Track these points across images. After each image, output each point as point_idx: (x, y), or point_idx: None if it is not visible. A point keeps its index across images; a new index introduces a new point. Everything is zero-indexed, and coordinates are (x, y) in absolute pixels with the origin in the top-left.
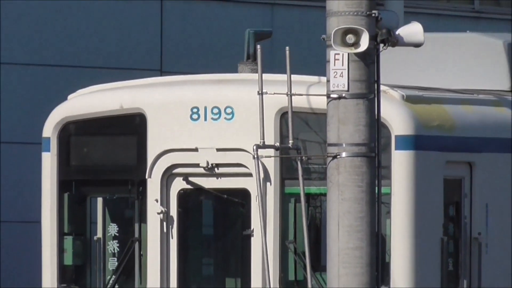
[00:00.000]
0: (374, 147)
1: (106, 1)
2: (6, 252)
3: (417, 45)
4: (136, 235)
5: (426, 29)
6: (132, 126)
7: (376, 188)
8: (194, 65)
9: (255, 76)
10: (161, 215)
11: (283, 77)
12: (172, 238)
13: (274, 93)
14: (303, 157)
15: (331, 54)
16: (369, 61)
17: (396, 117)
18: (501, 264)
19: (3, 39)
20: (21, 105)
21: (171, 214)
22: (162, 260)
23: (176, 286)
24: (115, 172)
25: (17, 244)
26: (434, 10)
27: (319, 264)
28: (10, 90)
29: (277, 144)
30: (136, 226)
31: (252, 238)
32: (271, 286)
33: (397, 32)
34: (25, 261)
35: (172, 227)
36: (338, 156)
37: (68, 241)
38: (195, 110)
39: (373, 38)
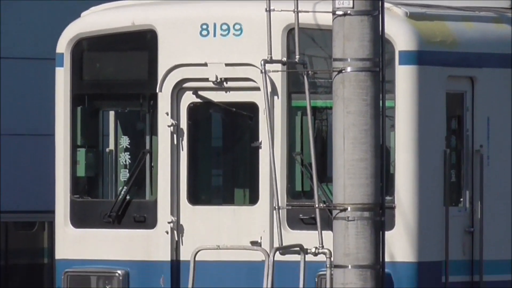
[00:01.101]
0: (378, 62)
1: None
2: (25, 166)
3: None
4: (147, 147)
5: None
6: (143, 42)
7: (380, 101)
8: None
9: None
10: (171, 127)
11: None
12: (182, 150)
13: (282, 10)
14: (310, 72)
15: None
16: None
17: (399, 33)
18: (502, 176)
19: None
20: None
21: (181, 127)
22: (172, 172)
23: (186, 197)
24: (126, 86)
25: (29, 158)
26: None
27: (325, 175)
28: None
29: (284, 59)
30: (147, 138)
31: (260, 150)
32: (279, 196)
33: None
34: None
35: (182, 140)
36: (343, 71)
37: (81, 153)
38: (204, 26)
39: None
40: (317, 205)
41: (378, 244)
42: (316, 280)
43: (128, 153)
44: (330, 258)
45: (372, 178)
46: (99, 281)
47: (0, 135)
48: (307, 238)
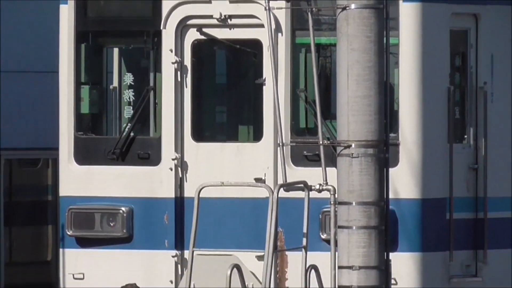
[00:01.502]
0: None
1: None
2: (26, 102)
3: None
4: (151, 84)
5: None
6: None
7: (384, 38)
8: None
9: None
10: (176, 64)
11: None
12: (186, 87)
13: None
14: (314, 9)
15: None
16: None
17: None
18: (505, 112)
19: None
20: None
21: (185, 64)
22: (176, 109)
23: (190, 133)
24: (131, 23)
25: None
26: None
27: (329, 112)
28: None
29: None
30: (151, 75)
31: (264, 86)
32: (283, 133)
33: None
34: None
35: (186, 77)
36: (347, 8)
37: (85, 90)
38: None
39: None
40: (321, 142)
41: (382, 181)
42: (320, 217)
43: (132, 90)
44: (334, 195)
45: (376, 115)
46: (103, 218)
47: (0, 72)
48: (311, 175)
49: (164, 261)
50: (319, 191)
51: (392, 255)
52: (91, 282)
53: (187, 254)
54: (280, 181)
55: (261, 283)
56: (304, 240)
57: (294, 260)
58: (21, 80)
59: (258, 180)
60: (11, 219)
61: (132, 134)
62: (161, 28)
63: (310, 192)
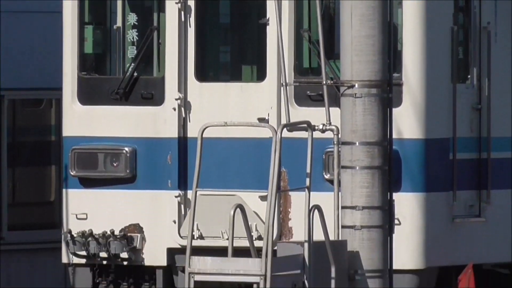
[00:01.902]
0: None
1: None
2: (30, 43)
3: None
4: (155, 24)
5: None
6: None
7: None
8: None
9: None
10: (179, 4)
11: None
12: (189, 27)
13: None
14: None
15: None
16: None
17: None
18: (509, 52)
19: None
20: None
21: (188, 3)
22: (180, 48)
23: (193, 73)
24: None
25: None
26: None
27: (332, 52)
28: None
29: None
30: (155, 15)
31: (267, 26)
32: (286, 73)
33: None
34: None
35: (189, 16)
36: None
37: (89, 30)
38: None
39: None
40: (324, 82)
41: (385, 121)
42: (324, 157)
43: (136, 30)
44: (337, 135)
45: (379, 54)
46: (106, 159)
47: (0, 13)
48: (315, 115)
49: (167, 201)
50: (323, 131)
51: (395, 195)
52: (94, 222)
53: (190, 194)
54: (284, 121)
55: (264, 223)
56: (308, 180)
57: (298, 200)
58: (25, 20)
59: (261, 120)
60: (14, 159)
61: (135, 74)
62: None
63: (313, 132)
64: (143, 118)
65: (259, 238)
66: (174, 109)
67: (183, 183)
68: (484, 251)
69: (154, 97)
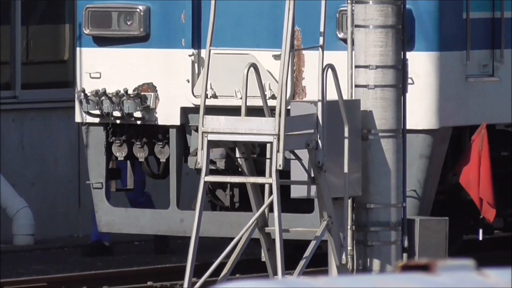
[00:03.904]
0: None
1: None
2: None
3: None
4: None
5: None
6: None
7: None
8: None
9: None
10: None
11: None
12: None
13: None
14: None
15: None
16: None
17: None
18: None
19: None
20: None
21: None
22: None
23: None
24: None
25: None
26: None
27: None
28: None
29: None
30: None
31: None
32: None
33: None
34: None
35: None
36: None
37: None
38: None
39: None
40: None
41: None
42: (337, 15)
43: None
44: None
45: None
46: (120, 17)
47: None
48: None
49: (181, 60)
50: None
51: (408, 54)
52: (107, 81)
53: (204, 53)
54: None
55: (277, 82)
56: (321, 39)
57: (311, 59)
58: None
59: None
60: (28, 17)
61: None
62: None
63: None
64: None
65: (273, 97)
66: None
67: (197, 42)
68: (497, 111)
69: None
